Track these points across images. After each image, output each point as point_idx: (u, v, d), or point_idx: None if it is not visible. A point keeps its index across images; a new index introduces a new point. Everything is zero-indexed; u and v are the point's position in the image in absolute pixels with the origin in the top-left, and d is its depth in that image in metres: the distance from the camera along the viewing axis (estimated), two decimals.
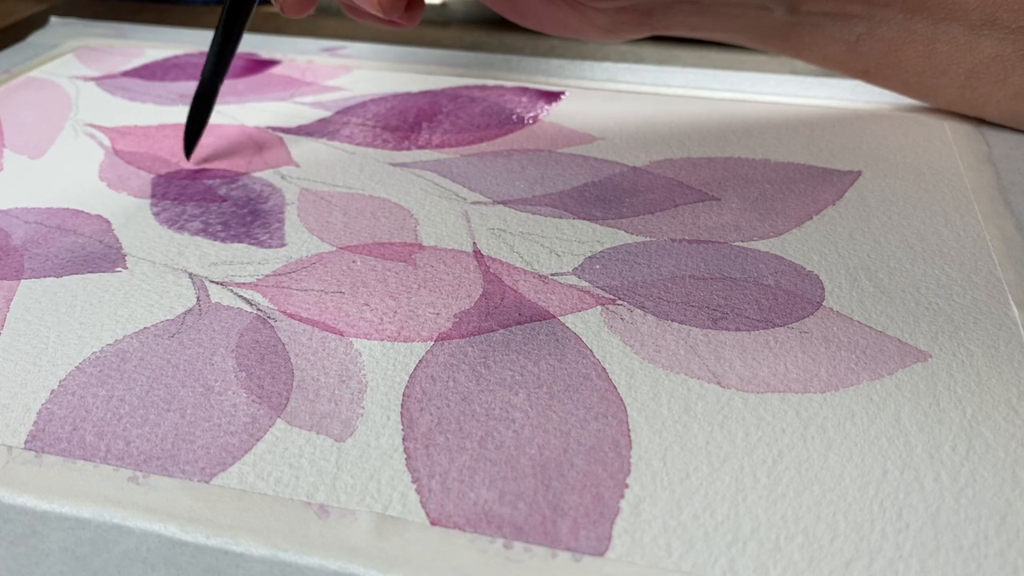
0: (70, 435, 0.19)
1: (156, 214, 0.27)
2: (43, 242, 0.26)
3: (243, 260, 0.25)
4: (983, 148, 0.31)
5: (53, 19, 0.46)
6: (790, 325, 0.22)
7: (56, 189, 0.29)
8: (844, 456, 0.18)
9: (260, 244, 0.26)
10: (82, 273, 0.24)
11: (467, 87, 0.37)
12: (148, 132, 0.33)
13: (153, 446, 0.19)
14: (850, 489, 0.17)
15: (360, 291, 0.23)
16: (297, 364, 0.21)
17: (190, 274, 0.24)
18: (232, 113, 0.35)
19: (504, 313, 0.22)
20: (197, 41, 0.43)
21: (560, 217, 0.27)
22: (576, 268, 0.24)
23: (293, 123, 0.34)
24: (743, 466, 0.18)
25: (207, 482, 0.18)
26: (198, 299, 0.23)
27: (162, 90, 0.37)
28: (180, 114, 0.35)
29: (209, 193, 0.28)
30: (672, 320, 0.22)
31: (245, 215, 0.27)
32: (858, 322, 0.22)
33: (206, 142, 0.32)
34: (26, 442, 0.19)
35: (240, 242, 0.26)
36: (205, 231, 0.26)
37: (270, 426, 0.19)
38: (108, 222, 0.27)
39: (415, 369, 0.21)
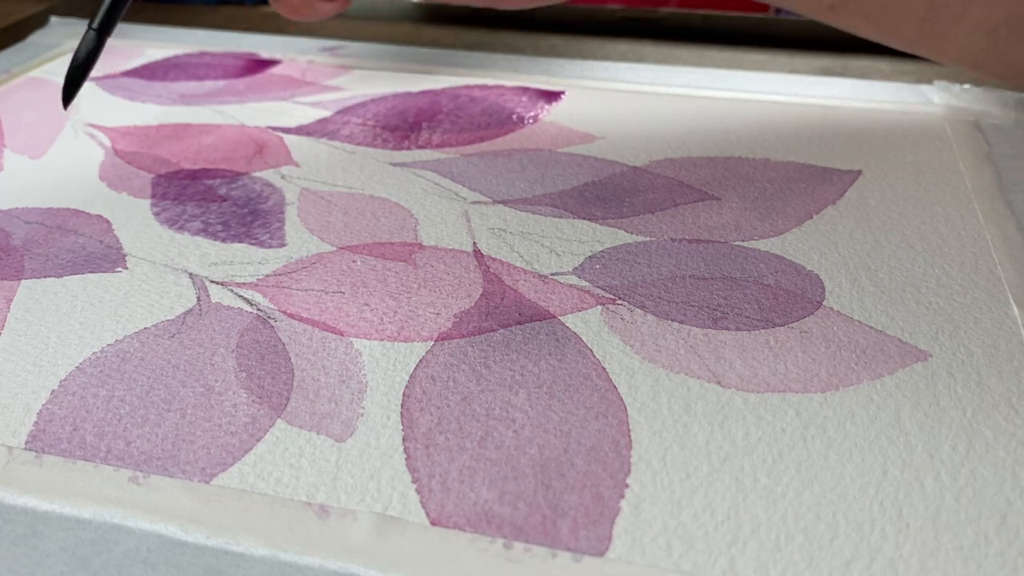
0: (70, 435, 0.19)
1: (156, 214, 0.27)
2: (43, 242, 0.26)
3: (243, 260, 0.25)
4: (983, 147, 0.31)
5: (53, 19, 0.46)
6: (790, 325, 0.22)
7: (56, 189, 0.29)
8: (844, 456, 0.18)
9: (260, 244, 0.26)
10: (82, 273, 0.24)
11: (467, 87, 0.37)
12: (148, 132, 0.33)
13: (153, 446, 0.19)
14: (850, 489, 0.17)
15: (360, 291, 0.23)
16: (297, 364, 0.21)
17: (190, 274, 0.24)
18: (232, 113, 0.35)
19: (504, 313, 0.22)
20: (197, 41, 0.43)
21: (560, 217, 0.27)
22: (576, 268, 0.24)
23: (293, 123, 0.34)
24: (743, 466, 0.18)
25: (207, 482, 0.18)
26: (198, 299, 0.23)
27: (162, 90, 0.37)
28: (180, 114, 0.35)
29: (209, 193, 0.29)
30: (672, 320, 0.22)
31: (245, 215, 0.27)
32: (858, 322, 0.22)
33: (207, 142, 0.32)
34: (27, 442, 0.19)
35: (240, 242, 0.26)
36: (205, 231, 0.26)
37: (270, 426, 0.19)
38: (108, 222, 0.27)
39: (415, 369, 0.21)
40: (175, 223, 0.27)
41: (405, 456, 0.18)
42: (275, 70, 0.39)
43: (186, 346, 0.21)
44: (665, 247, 0.25)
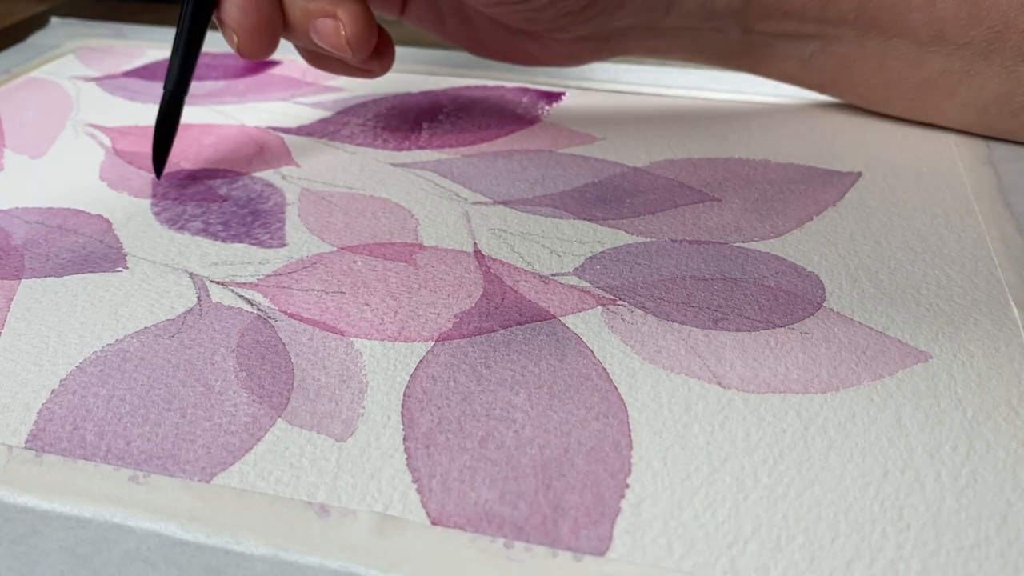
0: (71, 434, 0.19)
1: (156, 214, 0.27)
2: (44, 242, 0.26)
3: (244, 260, 0.25)
4: (983, 149, 0.31)
5: (54, 19, 0.46)
6: (791, 326, 0.22)
7: (57, 189, 0.29)
8: (845, 456, 0.18)
9: (261, 244, 0.26)
10: (83, 273, 0.24)
11: (467, 87, 0.37)
12: (148, 132, 0.33)
13: (154, 445, 0.19)
14: (851, 489, 0.17)
15: (361, 291, 0.23)
16: (298, 364, 0.21)
17: (191, 274, 0.24)
18: (232, 113, 0.35)
19: (505, 313, 0.22)
20: None
21: (561, 217, 0.27)
22: (577, 268, 0.24)
23: (293, 123, 0.34)
24: (744, 466, 0.18)
25: (208, 481, 0.18)
26: (199, 299, 0.23)
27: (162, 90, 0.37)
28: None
29: (210, 193, 0.28)
30: (673, 320, 0.22)
31: (246, 215, 0.27)
32: (859, 323, 0.22)
33: (207, 142, 0.32)
34: (27, 441, 0.19)
35: (241, 242, 0.26)
36: (206, 231, 0.26)
37: (271, 426, 0.19)
38: (109, 222, 0.27)
39: (416, 369, 0.21)
40: (175, 223, 0.27)
41: (406, 456, 0.18)
42: (275, 70, 0.39)
43: (186, 346, 0.21)
44: (665, 248, 0.25)
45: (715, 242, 0.25)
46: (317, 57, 0.29)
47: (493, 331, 0.22)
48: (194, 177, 0.30)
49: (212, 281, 0.24)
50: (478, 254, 0.25)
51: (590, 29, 0.29)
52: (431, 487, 0.18)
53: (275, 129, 0.33)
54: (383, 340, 0.21)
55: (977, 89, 0.30)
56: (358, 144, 0.32)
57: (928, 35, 0.29)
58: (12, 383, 0.20)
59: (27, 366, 0.21)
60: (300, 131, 0.33)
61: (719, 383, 0.20)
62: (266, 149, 0.31)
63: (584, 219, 0.27)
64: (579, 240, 0.26)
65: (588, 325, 0.22)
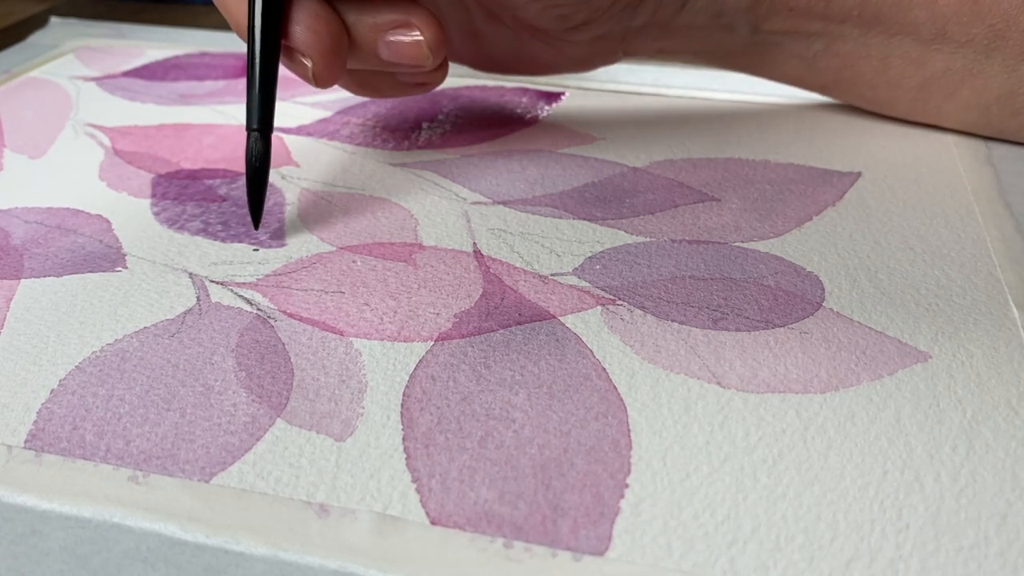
0: (70, 434, 0.19)
1: (156, 214, 0.27)
2: (43, 242, 0.26)
3: (243, 260, 0.25)
4: (983, 149, 0.31)
5: (53, 19, 0.46)
6: (790, 326, 0.22)
7: (56, 189, 0.29)
8: (844, 456, 0.18)
9: (260, 244, 0.26)
10: (82, 273, 0.24)
11: (467, 87, 0.37)
12: (148, 132, 0.33)
13: (153, 445, 0.19)
14: (850, 489, 0.17)
15: (360, 291, 0.23)
16: (297, 364, 0.21)
17: (190, 274, 0.24)
18: (232, 113, 0.35)
19: (504, 313, 0.22)
20: (197, 41, 0.43)
21: (560, 217, 0.27)
22: (576, 268, 0.24)
23: (293, 123, 0.34)
24: (743, 466, 0.18)
25: (207, 481, 0.18)
26: (198, 299, 0.23)
27: (162, 90, 0.37)
28: (180, 114, 0.35)
29: (209, 193, 0.28)
30: (672, 320, 0.22)
31: (245, 215, 0.27)
32: (858, 323, 0.22)
33: (207, 142, 0.32)
34: (26, 441, 0.19)
35: (240, 242, 0.26)
36: (205, 231, 0.26)
37: (270, 425, 0.19)
38: (108, 222, 0.27)
39: (415, 369, 0.21)
40: (175, 223, 0.27)
41: (405, 456, 0.18)
42: None
43: (186, 345, 0.21)
44: (665, 248, 0.25)
45: (715, 242, 0.25)
46: (366, 82, 0.28)
47: (492, 331, 0.22)
48: (194, 177, 0.30)
49: (211, 281, 0.24)
50: (477, 254, 0.25)
51: (610, 27, 0.29)
52: (430, 487, 0.18)
53: (275, 129, 0.33)
54: (382, 340, 0.21)
55: (979, 89, 0.30)
56: (357, 144, 0.32)
57: (930, 33, 0.29)
58: (11, 383, 0.20)
59: (26, 366, 0.21)
60: (300, 131, 0.33)
61: (718, 383, 0.20)
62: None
63: (584, 219, 0.27)
64: (578, 240, 0.26)
65: (588, 325, 0.22)
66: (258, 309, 0.23)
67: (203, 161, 0.31)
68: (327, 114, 0.34)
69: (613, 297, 0.23)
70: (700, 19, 0.30)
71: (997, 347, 0.21)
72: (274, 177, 0.29)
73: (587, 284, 0.23)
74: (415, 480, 0.18)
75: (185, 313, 0.23)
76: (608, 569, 0.16)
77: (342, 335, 0.22)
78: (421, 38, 0.25)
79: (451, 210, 0.27)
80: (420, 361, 0.21)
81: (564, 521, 0.17)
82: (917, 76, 0.30)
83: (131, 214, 0.27)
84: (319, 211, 0.27)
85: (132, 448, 0.18)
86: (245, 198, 0.28)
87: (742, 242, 0.25)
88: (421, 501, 0.17)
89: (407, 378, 0.20)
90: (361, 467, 0.18)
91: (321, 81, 0.25)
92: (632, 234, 0.26)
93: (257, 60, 0.24)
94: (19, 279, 0.24)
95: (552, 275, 0.24)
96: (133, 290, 0.23)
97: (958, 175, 0.29)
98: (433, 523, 0.17)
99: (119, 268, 0.24)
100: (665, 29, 0.30)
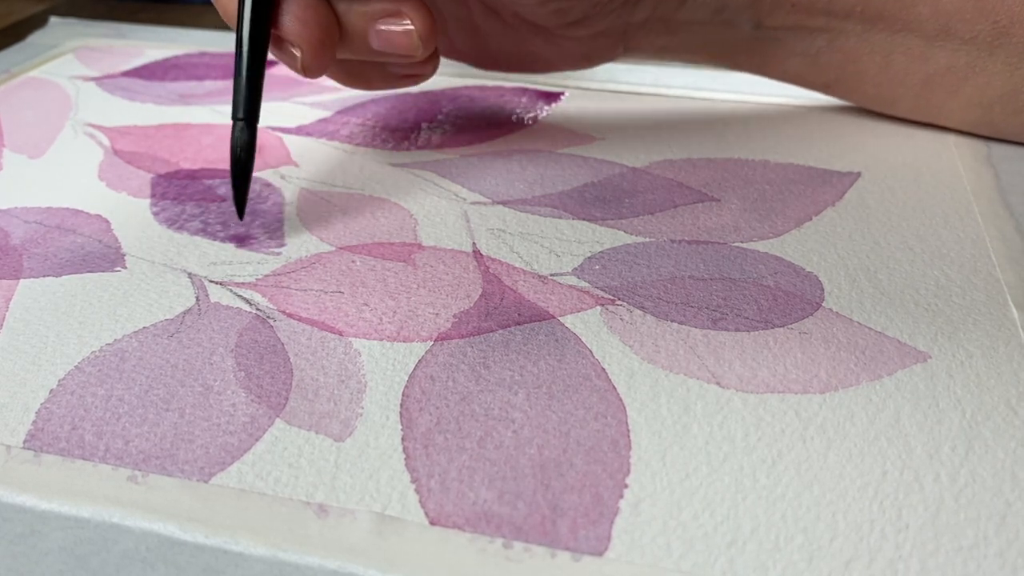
0: (69, 434, 0.19)
1: (155, 214, 0.27)
2: (42, 242, 0.26)
3: (242, 260, 0.25)
4: (982, 149, 0.31)
5: (53, 19, 0.46)
6: (789, 326, 0.22)
7: (55, 189, 0.29)
8: (844, 456, 0.18)
9: (259, 244, 0.26)
10: (81, 273, 0.24)
11: (467, 87, 0.37)
12: (148, 132, 0.33)
13: (152, 445, 0.19)
14: (850, 489, 0.17)
15: (359, 291, 0.23)
16: (296, 364, 0.21)
17: (189, 274, 0.24)
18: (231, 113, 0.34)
19: (503, 313, 0.22)
20: (197, 41, 0.43)
21: (560, 217, 0.27)
22: (576, 268, 0.24)
23: (292, 123, 0.34)
24: (743, 466, 0.18)
25: (206, 481, 0.18)
26: (197, 299, 0.23)
27: (162, 90, 0.37)
28: (180, 114, 0.35)
29: (208, 193, 0.28)
30: (672, 320, 0.22)
31: (244, 215, 0.27)
32: (857, 323, 0.22)
33: (206, 142, 0.32)
34: (25, 441, 0.19)
35: (240, 242, 0.26)
36: (204, 231, 0.26)
37: (269, 426, 0.19)
38: (107, 222, 0.27)
39: (414, 369, 0.21)
40: (174, 223, 0.27)
41: (404, 456, 0.18)
42: (274, 70, 0.39)
43: (185, 345, 0.21)
44: (664, 248, 0.25)
45: (714, 242, 0.25)
46: (356, 72, 0.28)
47: (492, 331, 0.22)
48: (193, 177, 0.30)
49: (211, 281, 0.24)
50: (477, 254, 0.25)
51: (610, 22, 0.29)
52: (430, 487, 0.17)
53: (274, 129, 0.33)
54: (382, 340, 0.21)
55: (982, 86, 0.29)
56: (357, 144, 0.32)
57: (934, 29, 0.29)
58: (10, 383, 0.20)
59: (25, 366, 0.21)
60: (299, 131, 0.33)
61: (718, 383, 0.20)
62: (265, 149, 0.31)
63: (583, 219, 0.27)
64: (578, 240, 0.26)
65: (587, 325, 0.22)
66: (257, 309, 0.23)
67: (202, 161, 0.31)
68: (327, 114, 0.34)
69: (612, 297, 0.23)
70: (702, 14, 0.30)
71: (996, 347, 0.21)
72: (273, 177, 0.29)
73: (586, 284, 0.23)
74: (414, 480, 0.18)
75: (184, 313, 0.23)
76: (607, 569, 0.16)
77: (341, 335, 0.22)
78: (412, 27, 0.25)
79: (450, 210, 0.27)
80: (419, 361, 0.21)
81: (563, 521, 0.17)
82: (920, 73, 0.30)
83: (130, 214, 0.27)
84: (318, 211, 0.27)
85: (131, 448, 0.18)
86: None
87: (741, 242, 0.25)
88: (420, 501, 0.17)
89: (406, 378, 0.20)
90: (360, 467, 0.18)
91: (309, 72, 0.25)
92: (631, 234, 0.26)
93: (245, 48, 0.24)
94: (18, 279, 0.24)
95: (551, 275, 0.24)
96: (132, 290, 0.23)
97: (958, 175, 0.29)
98: (432, 523, 0.17)
99: (118, 268, 0.24)
100: (666, 25, 0.30)
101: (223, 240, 0.26)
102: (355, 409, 0.19)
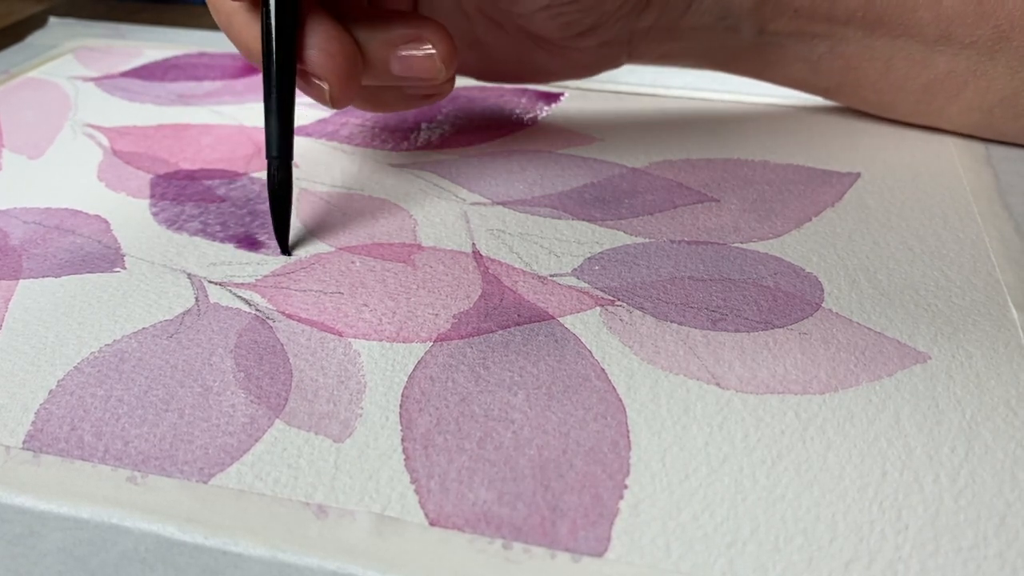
0: (68, 435, 0.19)
1: (155, 214, 0.27)
2: (41, 242, 0.26)
3: (242, 260, 0.25)
4: (982, 150, 0.31)
5: (52, 19, 0.46)
6: (789, 326, 0.22)
7: (55, 189, 0.29)
8: (843, 457, 0.18)
9: (259, 244, 0.26)
10: (81, 273, 0.24)
11: (467, 88, 0.37)
12: (147, 132, 0.33)
13: (151, 446, 0.18)
14: (849, 490, 0.17)
15: (359, 292, 0.23)
16: (296, 364, 0.21)
17: (189, 274, 0.24)
18: (231, 113, 0.35)
19: (503, 314, 0.22)
20: (196, 41, 0.43)
21: (559, 218, 0.27)
22: (575, 269, 0.24)
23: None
24: (742, 467, 0.18)
25: (205, 482, 0.18)
26: (197, 299, 0.23)
27: (161, 90, 0.37)
28: (179, 114, 0.35)
29: (208, 193, 0.28)
30: (671, 321, 0.22)
31: (244, 215, 0.27)
32: (857, 323, 0.22)
33: (206, 142, 0.32)
34: (24, 442, 0.19)
35: (239, 242, 0.26)
36: (204, 231, 0.26)
37: (268, 426, 0.19)
38: (107, 222, 0.27)
39: (414, 370, 0.21)
40: (173, 223, 0.27)
41: (404, 457, 0.18)
42: None
43: (184, 346, 0.21)
44: (664, 248, 0.25)
45: (714, 243, 0.25)
46: (375, 97, 0.27)
47: (491, 332, 0.22)
48: (192, 177, 0.30)
49: (210, 281, 0.24)
50: (476, 254, 0.25)
51: (615, 32, 0.29)
52: (429, 488, 0.17)
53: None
54: (381, 341, 0.21)
55: (982, 91, 0.29)
56: (357, 144, 0.32)
57: (935, 34, 0.29)
58: (10, 383, 0.20)
59: (25, 366, 0.21)
60: (298, 131, 0.33)
61: (718, 384, 0.20)
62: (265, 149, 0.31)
63: (583, 220, 0.27)
64: (578, 240, 0.26)
65: (587, 326, 0.22)
66: (257, 310, 0.23)
67: (202, 161, 0.31)
68: (326, 114, 0.34)
69: (612, 298, 0.23)
70: (705, 20, 0.30)
71: (996, 348, 0.21)
72: None
73: (586, 285, 0.23)
74: (414, 481, 0.18)
75: (184, 314, 0.22)
76: (607, 570, 0.16)
77: (341, 336, 0.22)
78: (434, 52, 0.25)
79: (450, 211, 0.27)
80: (419, 362, 0.21)
81: (563, 522, 0.17)
82: (921, 78, 0.30)
83: (130, 214, 0.27)
84: (318, 211, 0.27)
85: (130, 449, 0.18)
86: (244, 199, 0.28)
87: (741, 243, 0.25)
88: (420, 502, 0.17)
89: (406, 379, 0.20)
90: (360, 468, 0.18)
91: (338, 103, 0.25)
92: (631, 235, 0.26)
93: (274, 87, 0.24)
94: (17, 279, 0.24)
95: (551, 276, 0.24)
96: (132, 291, 0.23)
97: (957, 176, 0.29)
98: (432, 524, 0.17)
99: (118, 269, 0.24)
100: (670, 32, 0.30)
101: (222, 240, 0.26)
102: (355, 410, 0.19)
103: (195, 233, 0.26)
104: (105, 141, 0.32)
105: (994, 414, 0.19)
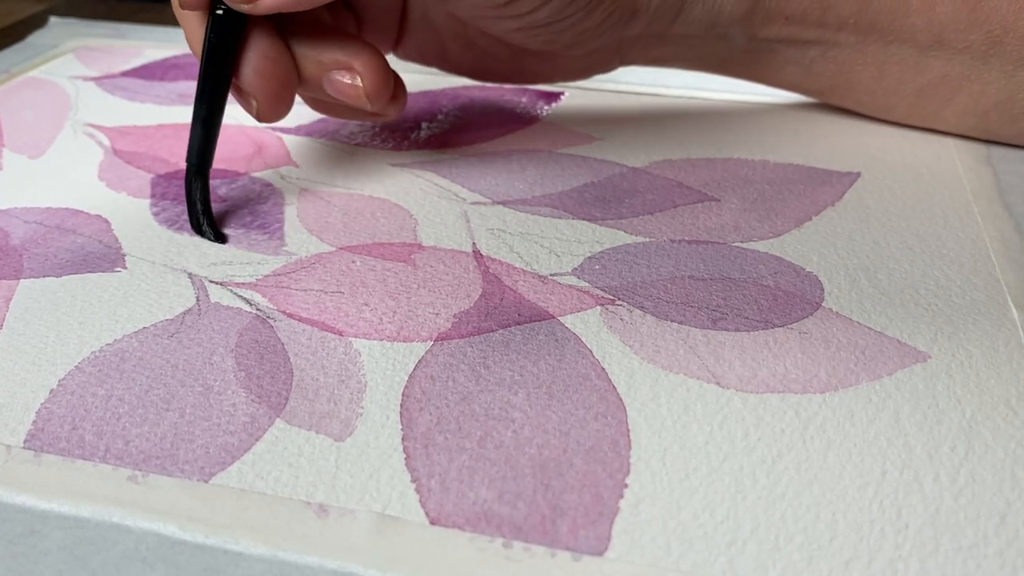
0: (69, 434, 0.19)
1: (155, 214, 0.27)
2: (42, 242, 0.26)
3: (242, 260, 0.25)
4: (982, 149, 0.31)
5: (52, 19, 0.46)
6: (789, 326, 0.22)
7: (55, 189, 0.29)
8: (843, 456, 0.18)
9: (259, 244, 0.26)
10: (81, 273, 0.24)
11: (467, 87, 0.37)
12: (147, 132, 0.33)
13: (152, 445, 0.19)
14: (849, 489, 0.17)
15: (359, 291, 0.23)
16: (296, 364, 0.21)
17: (189, 274, 0.24)
18: (232, 113, 0.34)
19: (503, 313, 0.22)
20: None
21: (559, 217, 0.27)
22: (575, 268, 0.24)
23: (292, 123, 0.34)
24: (742, 466, 0.18)
25: (206, 481, 0.18)
26: (197, 299, 0.23)
27: (161, 90, 0.37)
28: (179, 114, 0.35)
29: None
30: (671, 320, 0.22)
31: (244, 215, 0.27)
32: (857, 323, 0.22)
33: None
34: (25, 441, 0.19)
35: (239, 242, 0.26)
36: None
37: (269, 426, 0.19)
38: (107, 222, 0.27)
39: (414, 369, 0.21)
40: (174, 223, 0.27)
41: (404, 456, 0.18)
42: None
43: (185, 346, 0.21)
44: (664, 248, 0.25)
45: (714, 242, 0.25)
46: (324, 105, 0.28)
47: (492, 331, 0.22)
48: None
49: (211, 281, 0.24)
50: (477, 254, 0.25)
51: (603, 42, 0.29)
52: (430, 487, 0.18)
53: (274, 129, 0.33)
54: (382, 340, 0.21)
55: (977, 95, 0.30)
56: (357, 144, 0.32)
57: (928, 40, 0.29)
58: (11, 383, 0.20)
59: (26, 366, 0.21)
60: (299, 131, 0.33)
61: (718, 383, 0.20)
62: (265, 149, 0.31)
63: (583, 219, 0.27)
64: (578, 240, 0.26)
65: (587, 325, 0.22)
66: (257, 309, 0.23)
67: None
68: None
69: (612, 297, 0.23)
70: (695, 29, 0.30)
71: (996, 347, 0.21)
72: (273, 177, 0.29)
73: (586, 284, 0.23)
74: (414, 480, 0.18)
75: (184, 313, 0.23)
76: (607, 569, 0.16)
77: (341, 335, 0.22)
78: (360, 85, 0.25)
79: (450, 210, 0.27)
80: (419, 361, 0.21)
81: (563, 521, 0.17)
82: (914, 82, 0.30)
83: (130, 214, 0.27)
84: (318, 211, 0.27)
85: (131, 448, 0.18)
86: (244, 198, 0.28)
87: (741, 242, 0.25)
88: (420, 501, 0.17)
89: (406, 378, 0.20)
90: (360, 467, 0.18)
91: (263, 119, 0.26)
92: (631, 234, 0.26)
93: (204, 97, 0.25)
94: (18, 279, 0.24)
95: (551, 275, 0.24)
96: (132, 290, 0.23)
97: (957, 175, 0.29)
98: (432, 523, 0.17)
99: (118, 268, 0.24)
100: (660, 38, 0.30)
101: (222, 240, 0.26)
102: (355, 409, 0.19)
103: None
104: (106, 141, 0.32)
105: (994, 413, 0.19)
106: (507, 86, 0.37)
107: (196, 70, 0.39)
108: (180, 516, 0.17)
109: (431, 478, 0.18)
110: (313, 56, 0.25)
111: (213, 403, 0.20)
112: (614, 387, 0.20)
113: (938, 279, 0.24)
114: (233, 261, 0.25)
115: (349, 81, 0.25)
